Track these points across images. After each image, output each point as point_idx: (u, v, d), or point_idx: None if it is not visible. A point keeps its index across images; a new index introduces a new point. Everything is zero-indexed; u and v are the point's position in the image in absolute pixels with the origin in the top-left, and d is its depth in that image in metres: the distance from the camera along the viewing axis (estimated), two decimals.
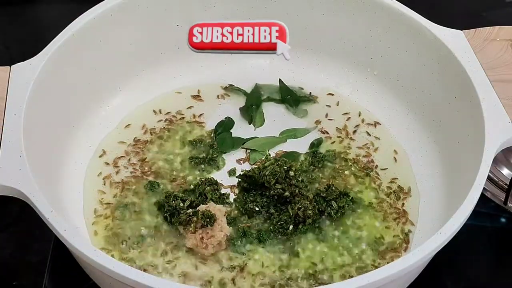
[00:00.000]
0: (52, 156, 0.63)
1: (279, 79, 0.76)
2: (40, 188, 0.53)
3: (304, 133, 0.72)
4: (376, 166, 0.68)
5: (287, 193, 0.61)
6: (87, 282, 0.58)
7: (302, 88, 0.76)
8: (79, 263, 0.58)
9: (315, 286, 0.58)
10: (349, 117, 0.73)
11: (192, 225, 0.59)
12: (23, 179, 0.53)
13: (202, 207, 0.60)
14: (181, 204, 0.62)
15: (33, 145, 0.57)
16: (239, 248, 0.60)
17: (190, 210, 0.61)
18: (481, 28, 0.68)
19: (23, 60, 0.62)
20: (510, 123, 0.59)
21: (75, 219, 0.62)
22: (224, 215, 0.61)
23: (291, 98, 0.75)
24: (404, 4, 0.69)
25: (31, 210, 0.53)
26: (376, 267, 0.59)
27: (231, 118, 0.73)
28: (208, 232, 0.59)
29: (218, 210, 0.60)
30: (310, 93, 0.76)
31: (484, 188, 0.55)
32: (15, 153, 0.55)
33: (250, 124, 0.73)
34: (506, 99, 0.61)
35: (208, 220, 0.59)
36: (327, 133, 0.72)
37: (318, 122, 0.73)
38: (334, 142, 0.71)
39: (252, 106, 0.74)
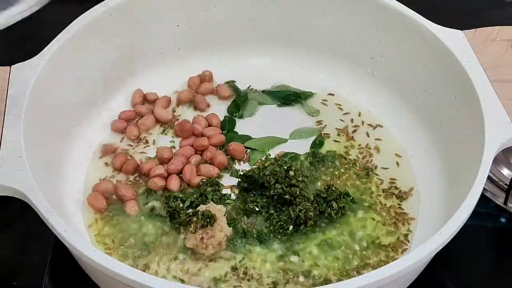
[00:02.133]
0: (52, 156, 0.63)
1: (261, 91, 0.76)
2: (40, 188, 0.53)
3: (311, 133, 0.72)
4: (376, 167, 0.68)
5: (287, 196, 0.61)
6: (87, 282, 0.58)
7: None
8: (79, 263, 0.58)
9: (316, 287, 0.58)
10: (349, 118, 0.73)
11: (192, 225, 0.59)
12: (23, 179, 0.53)
13: (202, 207, 0.60)
14: (181, 205, 0.62)
15: (33, 145, 0.57)
16: (240, 249, 0.60)
17: (190, 210, 0.61)
18: (481, 28, 0.68)
19: (23, 60, 0.62)
20: (510, 123, 0.59)
21: (75, 219, 0.62)
22: (224, 215, 0.61)
23: (288, 95, 0.75)
24: (404, 4, 0.69)
25: (31, 210, 0.53)
26: (376, 267, 0.59)
27: (231, 117, 0.73)
28: (208, 232, 0.59)
29: (218, 210, 0.60)
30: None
31: (484, 188, 0.55)
32: (15, 153, 0.55)
33: (240, 117, 0.73)
34: (506, 99, 0.61)
35: (208, 220, 0.59)
36: (327, 133, 0.72)
37: (319, 122, 0.73)
38: (334, 142, 0.71)
39: (239, 99, 0.74)
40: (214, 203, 0.62)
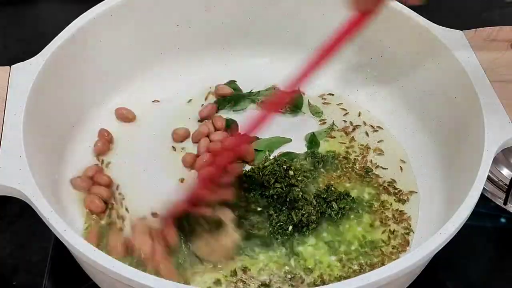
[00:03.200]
0: (52, 156, 0.63)
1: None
2: (40, 188, 0.53)
3: (323, 135, 0.71)
4: (377, 167, 0.68)
5: (289, 198, 0.61)
6: (87, 282, 0.58)
7: None
8: (79, 263, 0.58)
9: (315, 286, 0.58)
10: (349, 118, 0.73)
11: (198, 231, 0.58)
12: (23, 179, 0.53)
13: (208, 211, 0.59)
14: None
15: (33, 145, 0.57)
16: (241, 250, 0.60)
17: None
18: (481, 28, 0.68)
19: (23, 60, 0.62)
20: (510, 123, 0.59)
21: (75, 219, 0.62)
22: (231, 219, 0.59)
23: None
24: (404, 5, 0.69)
25: (31, 210, 0.53)
26: (376, 267, 0.59)
27: (233, 119, 0.73)
28: (215, 239, 0.57)
29: (225, 214, 0.59)
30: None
31: (484, 188, 0.55)
32: (15, 153, 0.55)
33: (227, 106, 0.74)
34: (506, 99, 0.61)
35: (214, 225, 0.57)
36: (327, 133, 0.72)
37: (322, 121, 0.73)
38: (334, 142, 0.71)
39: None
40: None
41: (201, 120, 0.73)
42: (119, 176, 0.66)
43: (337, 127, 0.72)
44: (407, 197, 0.66)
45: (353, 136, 0.71)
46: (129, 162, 0.68)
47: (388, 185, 0.67)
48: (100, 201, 0.62)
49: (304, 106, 0.75)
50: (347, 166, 0.68)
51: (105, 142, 0.68)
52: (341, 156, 0.69)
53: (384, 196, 0.66)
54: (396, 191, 0.66)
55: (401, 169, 0.68)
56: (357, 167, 0.68)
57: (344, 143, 0.71)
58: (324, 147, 0.70)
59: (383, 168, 0.68)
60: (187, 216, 0.59)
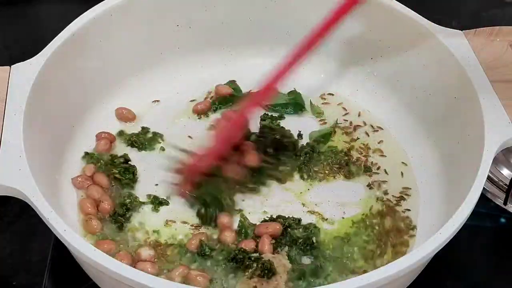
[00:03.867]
0: (52, 156, 0.63)
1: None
2: (40, 188, 0.53)
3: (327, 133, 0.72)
4: (378, 167, 0.68)
5: None
6: (87, 282, 0.58)
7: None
8: (79, 263, 0.58)
9: (317, 286, 0.57)
10: (349, 118, 0.73)
11: (249, 270, 0.56)
12: (23, 179, 0.53)
13: (267, 256, 0.57)
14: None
15: (33, 145, 0.57)
16: None
17: (255, 255, 0.58)
18: (481, 28, 0.68)
19: (23, 60, 0.62)
20: (510, 123, 0.59)
21: (74, 219, 0.62)
22: (287, 273, 0.56)
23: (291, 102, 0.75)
24: (404, 4, 0.70)
25: (31, 210, 0.53)
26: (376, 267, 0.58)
27: None
28: (262, 284, 0.55)
29: (282, 265, 0.57)
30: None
31: (484, 188, 0.55)
32: (15, 153, 0.55)
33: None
34: (506, 99, 0.61)
35: (266, 272, 0.55)
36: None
37: (323, 121, 0.73)
38: (335, 140, 0.71)
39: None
40: None
41: (199, 116, 0.73)
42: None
43: (341, 123, 0.72)
44: (407, 197, 0.66)
45: (353, 136, 0.71)
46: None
47: (387, 184, 0.67)
48: (92, 204, 0.62)
49: (305, 106, 0.75)
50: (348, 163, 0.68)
51: (105, 142, 0.68)
52: (341, 152, 0.69)
53: (384, 196, 0.66)
54: (396, 190, 0.66)
55: (401, 169, 0.68)
56: (358, 166, 0.68)
57: (344, 143, 0.71)
58: (324, 147, 0.70)
59: (383, 168, 0.68)
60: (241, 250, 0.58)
